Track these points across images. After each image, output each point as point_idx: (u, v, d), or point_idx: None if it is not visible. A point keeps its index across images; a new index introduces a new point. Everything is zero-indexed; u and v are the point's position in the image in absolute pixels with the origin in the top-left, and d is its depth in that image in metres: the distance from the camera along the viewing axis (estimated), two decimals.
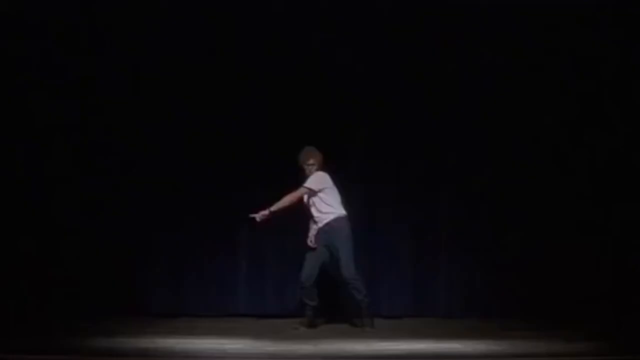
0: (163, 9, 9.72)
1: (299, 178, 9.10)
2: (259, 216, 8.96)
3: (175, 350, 7.92)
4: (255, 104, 9.83)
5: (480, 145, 9.78)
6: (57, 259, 9.63)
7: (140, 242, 9.77)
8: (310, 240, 9.10)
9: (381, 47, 9.81)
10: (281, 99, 9.80)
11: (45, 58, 9.69)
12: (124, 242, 9.68)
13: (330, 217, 9.03)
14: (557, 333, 8.66)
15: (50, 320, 9.21)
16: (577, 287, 9.51)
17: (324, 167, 9.08)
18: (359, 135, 9.81)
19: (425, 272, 9.89)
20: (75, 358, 7.55)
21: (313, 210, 9.08)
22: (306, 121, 9.71)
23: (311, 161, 9.06)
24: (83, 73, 9.71)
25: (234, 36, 9.80)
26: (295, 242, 9.59)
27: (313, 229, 9.13)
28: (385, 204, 9.74)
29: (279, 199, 9.16)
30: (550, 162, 9.73)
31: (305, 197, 9.07)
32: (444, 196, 9.86)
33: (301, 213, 9.42)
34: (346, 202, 9.13)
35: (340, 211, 9.04)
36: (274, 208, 8.95)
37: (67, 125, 9.71)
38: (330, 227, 9.02)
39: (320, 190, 9.01)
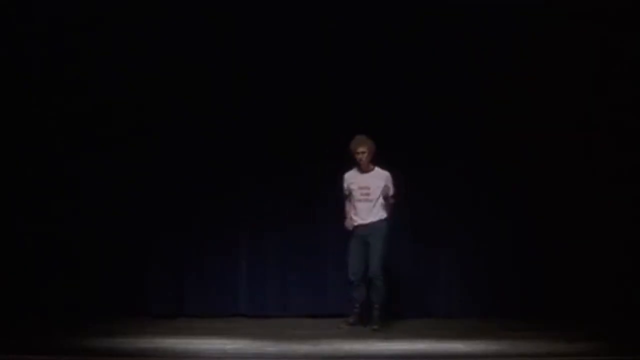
0: (163, 9, 9.72)
1: (346, 164, 9.12)
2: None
3: (175, 350, 7.93)
4: (255, 104, 9.83)
5: (481, 146, 9.77)
6: (58, 259, 9.63)
7: (141, 242, 9.76)
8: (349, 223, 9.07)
9: (381, 47, 9.80)
10: (281, 98, 9.80)
11: (46, 58, 9.70)
12: (124, 242, 9.68)
13: (379, 217, 9.03)
14: (557, 333, 8.67)
15: (50, 320, 9.22)
16: (577, 287, 9.52)
17: (375, 156, 9.08)
18: (359, 134, 9.78)
19: (425, 272, 9.89)
20: (75, 358, 7.57)
21: (370, 206, 9.03)
22: (306, 121, 9.71)
23: (361, 149, 9.01)
24: (83, 73, 9.71)
25: (234, 36, 9.80)
26: (296, 242, 9.60)
27: (353, 220, 9.07)
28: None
29: (278, 198, 9.22)
30: (551, 162, 9.72)
31: (374, 190, 9.03)
32: (444, 196, 9.85)
33: (301, 213, 9.43)
34: None
35: (385, 214, 9.10)
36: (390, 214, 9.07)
37: (67, 126, 9.71)
38: (372, 225, 9.01)
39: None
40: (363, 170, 9.08)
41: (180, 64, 9.78)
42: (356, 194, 9.07)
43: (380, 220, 9.04)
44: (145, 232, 9.76)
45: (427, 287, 9.90)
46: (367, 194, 9.04)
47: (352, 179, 9.12)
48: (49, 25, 9.65)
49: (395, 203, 9.10)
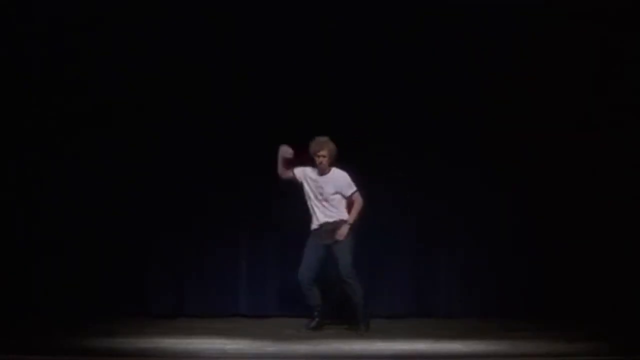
0: (163, 9, 9.72)
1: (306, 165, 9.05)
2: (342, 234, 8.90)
3: (175, 350, 7.93)
4: (255, 104, 9.83)
5: (481, 146, 9.77)
6: (57, 259, 9.63)
7: (141, 242, 9.76)
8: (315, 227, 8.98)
9: (381, 47, 9.80)
10: (281, 98, 9.80)
11: (46, 58, 9.70)
12: (124, 242, 9.68)
13: (342, 217, 8.95)
14: (557, 333, 8.67)
15: (50, 320, 9.22)
16: (577, 287, 9.52)
17: (337, 159, 9.02)
18: (359, 134, 9.79)
19: (425, 272, 9.89)
20: (75, 358, 7.56)
21: (327, 206, 8.98)
22: (306, 120, 9.69)
23: (323, 152, 8.95)
24: (83, 73, 9.71)
25: (234, 36, 9.80)
26: (296, 242, 9.58)
27: (315, 224, 9.04)
28: (386, 203, 9.73)
29: (277, 198, 9.26)
30: (551, 162, 9.72)
31: (321, 192, 8.96)
32: (444, 196, 9.85)
33: (301, 212, 9.42)
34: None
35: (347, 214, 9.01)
36: (351, 221, 8.89)
37: (67, 126, 9.71)
38: (335, 227, 8.95)
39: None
40: (321, 172, 9.02)
41: (180, 64, 9.78)
42: (312, 193, 9.02)
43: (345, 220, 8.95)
44: (145, 232, 9.76)
45: (427, 287, 9.90)
46: (321, 194, 8.99)
47: (312, 174, 9.01)
48: (49, 25, 9.65)
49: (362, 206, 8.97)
